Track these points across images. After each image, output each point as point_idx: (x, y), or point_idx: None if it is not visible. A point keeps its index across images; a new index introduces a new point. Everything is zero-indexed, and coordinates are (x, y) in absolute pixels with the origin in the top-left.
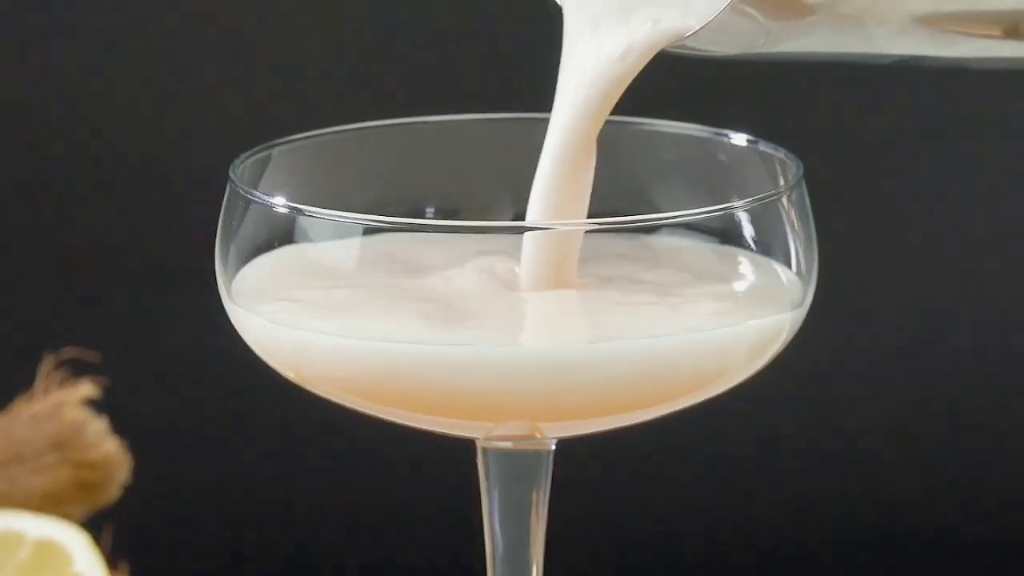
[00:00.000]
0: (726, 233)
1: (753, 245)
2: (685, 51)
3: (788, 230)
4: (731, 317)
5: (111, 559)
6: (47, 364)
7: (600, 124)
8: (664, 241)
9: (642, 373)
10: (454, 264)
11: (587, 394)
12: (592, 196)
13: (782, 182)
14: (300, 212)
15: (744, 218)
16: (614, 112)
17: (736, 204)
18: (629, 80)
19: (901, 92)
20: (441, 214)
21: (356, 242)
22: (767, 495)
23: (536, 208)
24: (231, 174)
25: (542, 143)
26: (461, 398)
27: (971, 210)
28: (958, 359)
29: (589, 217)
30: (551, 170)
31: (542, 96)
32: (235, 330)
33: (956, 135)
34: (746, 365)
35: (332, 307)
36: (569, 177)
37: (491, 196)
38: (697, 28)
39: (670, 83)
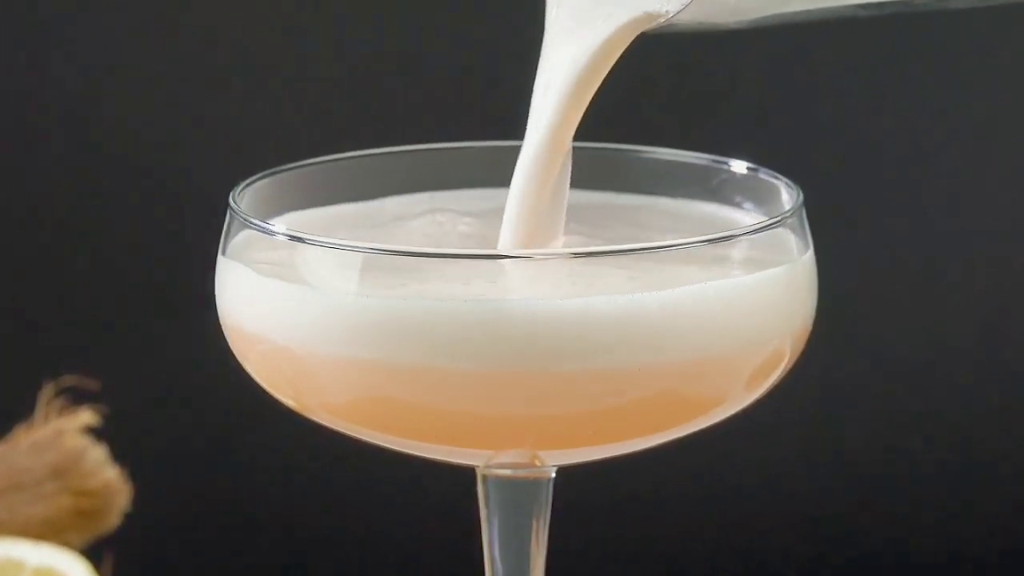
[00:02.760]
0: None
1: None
2: (675, 29)
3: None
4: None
5: None
6: (47, 392)
7: (579, 114)
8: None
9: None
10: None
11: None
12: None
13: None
14: (300, 240)
15: (742, 241)
16: (617, 139)
17: (735, 232)
18: (608, 67)
19: (901, 111)
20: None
21: (356, 265)
22: (769, 522)
23: (513, 203)
24: (231, 201)
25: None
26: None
27: (972, 231)
28: (961, 382)
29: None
30: (530, 161)
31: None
32: (236, 359)
33: (956, 153)
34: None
35: (316, 272)
36: (548, 171)
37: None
38: (672, 14)
39: (672, 108)
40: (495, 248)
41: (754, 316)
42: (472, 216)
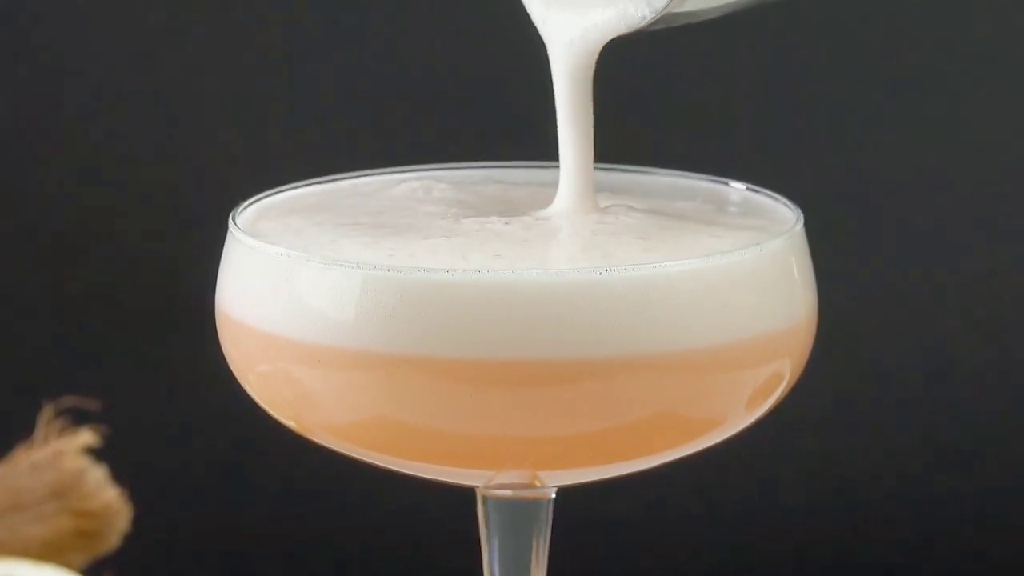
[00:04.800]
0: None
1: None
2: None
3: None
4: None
5: None
6: (47, 412)
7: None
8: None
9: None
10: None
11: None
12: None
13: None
14: (300, 260)
15: (743, 257)
16: (620, 160)
17: (735, 251)
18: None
19: (901, 127)
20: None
21: (356, 284)
22: (770, 541)
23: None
24: (231, 221)
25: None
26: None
27: (973, 255)
28: (963, 400)
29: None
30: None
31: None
32: (235, 379)
33: (956, 175)
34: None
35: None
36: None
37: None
38: (652, 18)
39: (674, 131)
40: (474, 212)
41: (755, 292)
42: (447, 183)
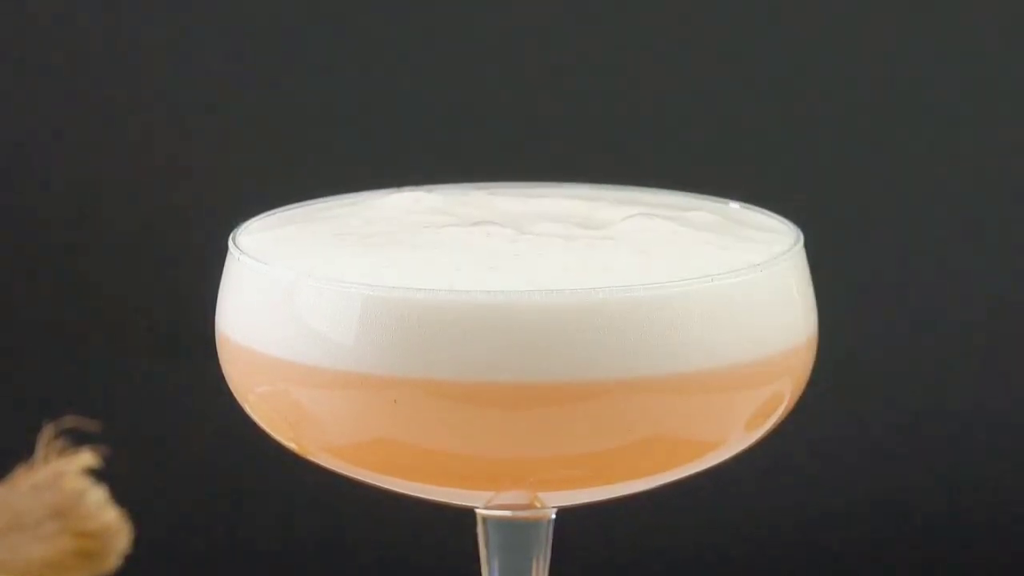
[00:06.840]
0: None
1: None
2: None
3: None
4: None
5: None
6: (47, 433)
7: None
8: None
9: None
10: None
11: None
12: None
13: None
14: (300, 278)
15: (743, 279)
16: (621, 179)
17: (734, 272)
18: None
19: (900, 148)
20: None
21: (356, 306)
22: (769, 563)
23: None
24: (231, 241)
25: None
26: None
27: (972, 278)
28: (958, 431)
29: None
30: None
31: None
32: (235, 401)
33: (956, 197)
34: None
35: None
36: None
37: None
38: None
39: (674, 150)
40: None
41: (756, 311)
42: (435, 194)
